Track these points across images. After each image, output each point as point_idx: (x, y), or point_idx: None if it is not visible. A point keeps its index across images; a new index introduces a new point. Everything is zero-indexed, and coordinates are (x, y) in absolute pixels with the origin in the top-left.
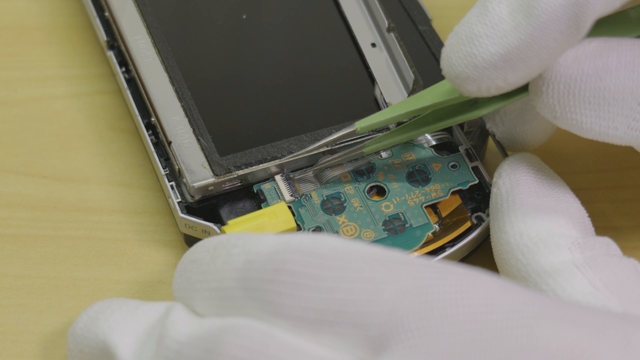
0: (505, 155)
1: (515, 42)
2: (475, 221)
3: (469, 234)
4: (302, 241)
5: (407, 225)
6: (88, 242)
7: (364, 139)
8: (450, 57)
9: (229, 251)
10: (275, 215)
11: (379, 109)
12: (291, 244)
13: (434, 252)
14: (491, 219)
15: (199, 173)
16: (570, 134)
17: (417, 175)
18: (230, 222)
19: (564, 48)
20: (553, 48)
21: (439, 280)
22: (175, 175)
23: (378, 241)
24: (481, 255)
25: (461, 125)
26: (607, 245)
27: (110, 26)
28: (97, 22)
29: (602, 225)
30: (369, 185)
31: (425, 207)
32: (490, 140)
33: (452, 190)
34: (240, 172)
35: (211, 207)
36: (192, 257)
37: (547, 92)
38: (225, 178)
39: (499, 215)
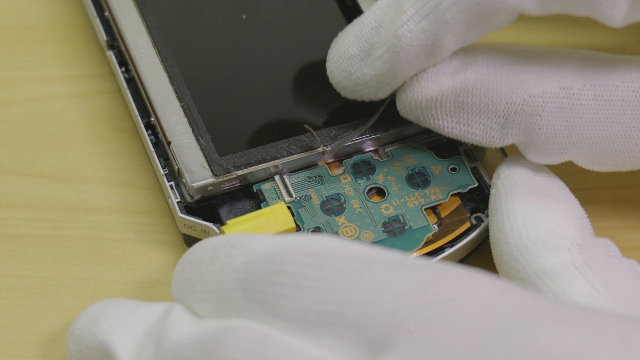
0: (504, 155)
1: (382, 69)
2: (474, 222)
3: (468, 235)
4: (301, 242)
5: (406, 227)
6: (87, 242)
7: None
8: (331, 66)
9: (228, 252)
10: (274, 215)
11: (376, 109)
12: (290, 245)
13: (433, 253)
14: (490, 219)
15: (198, 173)
16: None
17: (417, 177)
18: (230, 222)
19: (426, 67)
20: (415, 70)
21: (439, 282)
22: (174, 175)
23: (377, 242)
24: (480, 256)
25: None
26: (606, 246)
27: (110, 26)
28: (97, 22)
29: (602, 225)
30: (368, 187)
31: (425, 209)
32: None
33: (451, 194)
34: (240, 172)
35: (210, 207)
36: (191, 257)
37: (410, 105)
38: (225, 178)
39: (498, 216)
